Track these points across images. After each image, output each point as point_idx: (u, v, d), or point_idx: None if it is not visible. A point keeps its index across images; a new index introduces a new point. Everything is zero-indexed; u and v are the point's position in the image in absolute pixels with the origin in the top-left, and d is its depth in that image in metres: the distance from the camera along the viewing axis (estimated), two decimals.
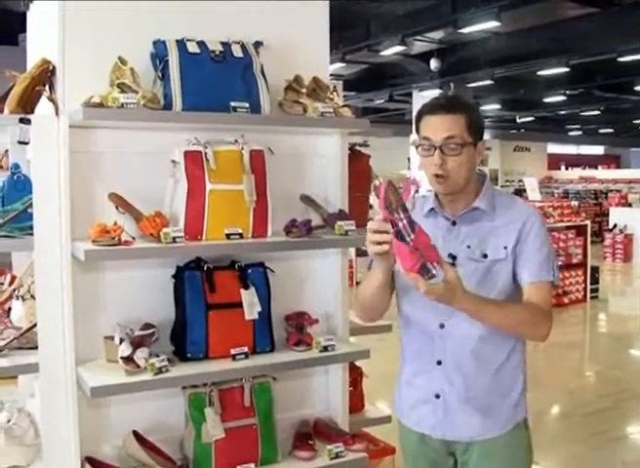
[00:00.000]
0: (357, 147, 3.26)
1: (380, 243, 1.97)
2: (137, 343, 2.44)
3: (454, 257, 2.21)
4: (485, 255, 2.20)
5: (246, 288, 2.64)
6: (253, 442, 2.66)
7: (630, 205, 18.96)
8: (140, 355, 2.41)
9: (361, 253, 10.98)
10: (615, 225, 16.57)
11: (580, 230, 11.26)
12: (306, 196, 2.92)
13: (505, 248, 2.19)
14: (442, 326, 2.22)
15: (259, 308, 2.64)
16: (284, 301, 2.83)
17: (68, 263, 2.42)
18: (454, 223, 2.27)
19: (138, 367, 2.39)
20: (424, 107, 2.23)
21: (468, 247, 2.22)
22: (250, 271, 2.68)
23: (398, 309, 2.37)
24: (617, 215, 17.02)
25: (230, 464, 2.60)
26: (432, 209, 2.31)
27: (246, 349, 2.61)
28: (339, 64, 13.38)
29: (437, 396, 2.25)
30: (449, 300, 1.95)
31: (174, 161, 2.55)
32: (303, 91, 2.77)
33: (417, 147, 2.22)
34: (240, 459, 2.62)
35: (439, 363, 2.24)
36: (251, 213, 2.60)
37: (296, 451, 2.77)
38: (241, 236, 2.57)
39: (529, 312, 2.15)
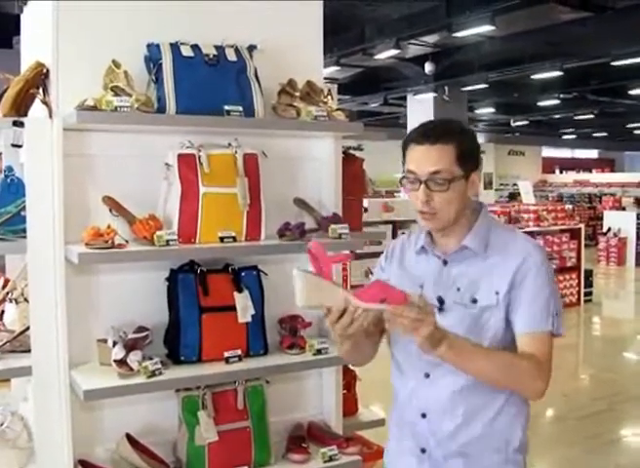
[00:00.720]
0: (351, 151, 3.26)
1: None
2: (130, 346, 2.44)
3: (441, 301, 1.99)
4: (474, 301, 1.96)
5: (239, 291, 2.65)
6: (246, 445, 2.66)
7: (624, 208, 19.00)
8: (134, 358, 2.41)
9: (355, 256, 11.02)
10: (609, 229, 16.60)
11: (574, 233, 11.28)
12: (300, 199, 2.92)
13: (497, 293, 1.94)
14: (427, 375, 2.00)
15: (252, 311, 2.64)
16: (277, 304, 2.83)
17: (62, 266, 2.42)
18: (445, 263, 2.04)
19: (131, 370, 2.39)
20: (411, 135, 1.99)
21: (458, 290, 1.98)
22: (243, 274, 2.68)
23: (390, 351, 2.17)
24: (610, 219, 17.06)
25: (223, 467, 2.59)
26: (423, 246, 2.09)
27: (239, 352, 2.61)
28: (333, 68, 13.38)
29: (423, 450, 2.03)
30: (439, 340, 1.76)
31: (167, 164, 2.56)
32: (297, 94, 2.77)
33: (401, 180, 1.99)
34: (233, 462, 2.62)
35: (423, 416, 2.02)
36: (244, 216, 2.60)
37: (289, 454, 2.77)
38: (234, 239, 2.57)
39: (521, 362, 1.89)
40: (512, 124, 24.87)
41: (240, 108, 2.55)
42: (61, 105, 2.46)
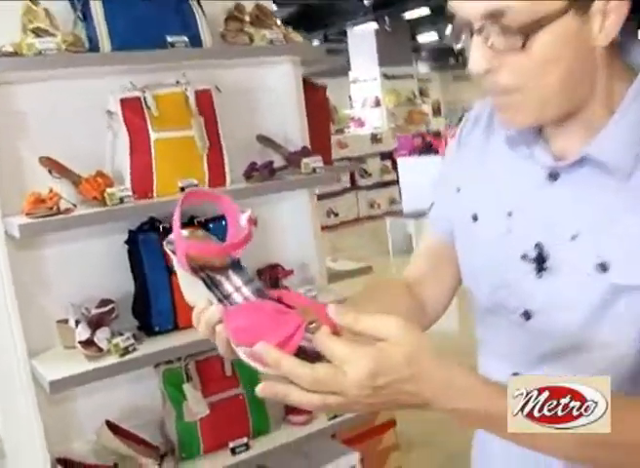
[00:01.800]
0: None
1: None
2: (95, 323, 2.17)
3: (542, 258, 1.05)
4: (603, 267, 0.97)
5: None
6: (241, 413, 2.44)
7: None
8: (101, 336, 2.14)
9: (317, 196, 10.81)
10: None
11: None
12: (264, 136, 2.67)
13: None
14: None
15: None
16: (253, 255, 2.55)
17: (2, 242, 2.09)
18: (554, 177, 1.04)
19: (100, 350, 2.12)
20: None
21: (574, 238, 1.00)
22: (211, 226, 2.39)
23: None
24: None
25: (220, 441, 2.38)
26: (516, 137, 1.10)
27: None
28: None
29: None
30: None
31: (109, 111, 2.28)
32: (247, 19, 2.51)
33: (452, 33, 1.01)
34: (230, 434, 2.40)
35: None
36: (204, 160, 2.35)
37: (289, 416, 2.55)
38: (197, 187, 2.29)
39: None
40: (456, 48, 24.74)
41: (185, 38, 2.25)
42: None
